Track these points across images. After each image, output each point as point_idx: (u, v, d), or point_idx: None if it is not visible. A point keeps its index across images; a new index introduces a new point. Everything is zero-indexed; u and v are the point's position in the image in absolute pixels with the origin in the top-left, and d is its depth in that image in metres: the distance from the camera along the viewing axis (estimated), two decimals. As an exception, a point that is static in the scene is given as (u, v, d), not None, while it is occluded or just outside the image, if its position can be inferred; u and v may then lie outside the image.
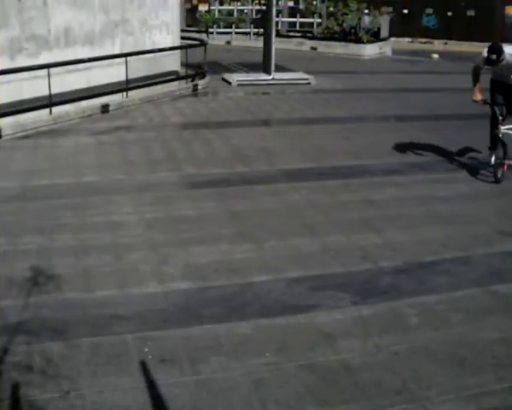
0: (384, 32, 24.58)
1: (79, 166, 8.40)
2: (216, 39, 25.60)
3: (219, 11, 28.03)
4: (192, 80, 15.20)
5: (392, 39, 25.58)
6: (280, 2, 26.54)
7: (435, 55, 23.23)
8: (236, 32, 26.77)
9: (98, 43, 12.26)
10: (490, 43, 7.70)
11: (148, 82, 13.29)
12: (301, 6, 28.91)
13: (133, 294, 4.95)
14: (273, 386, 3.80)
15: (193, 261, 5.54)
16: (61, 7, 11.34)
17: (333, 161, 8.83)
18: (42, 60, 10.86)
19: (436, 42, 29.24)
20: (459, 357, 4.14)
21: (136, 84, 12.82)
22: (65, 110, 11.15)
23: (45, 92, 10.61)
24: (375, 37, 23.73)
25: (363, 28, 23.55)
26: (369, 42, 23.13)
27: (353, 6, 23.63)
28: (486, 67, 7.78)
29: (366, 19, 23.76)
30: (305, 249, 5.84)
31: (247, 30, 26.73)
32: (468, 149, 9.57)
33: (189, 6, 31.23)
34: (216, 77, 16.17)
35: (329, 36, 24.59)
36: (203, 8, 29.71)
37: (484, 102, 8.05)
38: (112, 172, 8.20)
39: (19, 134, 10.08)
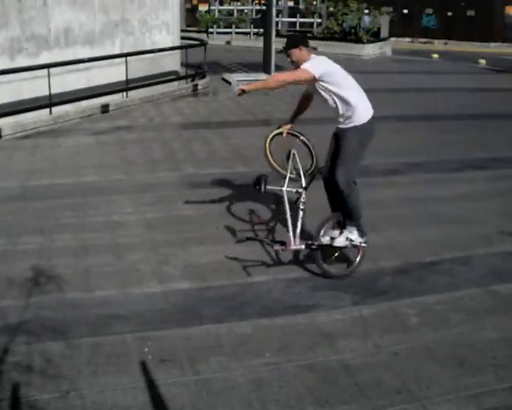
0: (384, 32, 24.61)
1: (79, 166, 8.40)
2: (216, 39, 25.61)
3: (219, 11, 28.04)
4: (192, 80, 15.20)
5: (392, 39, 25.59)
6: (280, 2, 26.54)
7: (435, 55, 23.23)
8: (236, 32, 26.78)
9: (98, 44, 12.27)
10: None
11: (148, 82, 13.30)
12: (301, 6, 28.93)
13: (133, 294, 4.95)
14: (273, 386, 3.80)
15: (193, 261, 5.53)
16: (61, 7, 11.34)
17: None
18: (42, 60, 10.86)
19: (436, 42, 29.26)
20: (459, 357, 4.14)
21: (136, 84, 12.82)
22: (65, 110, 11.15)
23: (45, 92, 10.61)
24: (375, 37, 23.74)
25: (363, 28, 23.56)
26: (369, 42, 23.14)
27: (353, 6, 23.66)
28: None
29: (366, 19, 23.77)
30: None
31: (247, 30, 26.74)
32: (468, 150, 9.58)
33: (189, 6, 31.25)
34: (216, 77, 16.16)
35: (329, 36, 24.60)
36: (203, 8, 29.73)
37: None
38: (112, 172, 8.20)
39: (19, 134, 10.08)
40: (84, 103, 11.60)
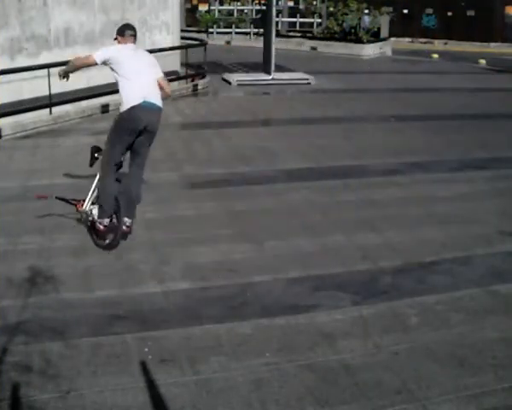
0: (384, 32, 24.59)
1: (79, 167, 8.38)
2: (216, 39, 25.61)
3: (219, 11, 28.05)
4: (192, 80, 15.20)
5: (392, 39, 25.58)
6: (280, 2, 26.55)
7: (435, 55, 23.23)
8: (236, 32, 26.78)
9: (98, 44, 12.23)
10: None
11: (148, 82, 13.28)
12: (301, 6, 28.93)
13: (133, 294, 4.95)
14: (273, 386, 3.80)
15: (193, 261, 5.53)
16: (61, 7, 11.34)
17: (333, 161, 8.82)
18: (42, 60, 10.86)
19: (436, 42, 29.24)
20: (459, 357, 4.14)
21: (136, 84, 12.80)
22: (65, 110, 11.15)
23: (45, 92, 10.61)
24: (375, 37, 23.73)
25: (363, 28, 23.55)
26: (369, 42, 23.13)
27: (353, 6, 23.64)
28: None
29: (366, 19, 23.76)
30: (305, 249, 5.84)
31: (247, 30, 26.75)
32: (468, 150, 9.58)
33: (189, 6, 31.25)
34: (216, 77, 16.16)
35: (329, 36, 24.60)
36: (203, 8, 29.73)
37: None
38: (112, 172, 8.19)
39: (19, 134, 10.08)
40: (84, 103, 11.59)
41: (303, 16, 27.69)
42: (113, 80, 5.96)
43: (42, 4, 10.97)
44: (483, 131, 10.98)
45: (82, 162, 8.61)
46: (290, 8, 28.81)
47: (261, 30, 21.35)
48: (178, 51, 14.84)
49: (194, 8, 31.05)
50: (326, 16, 26.38)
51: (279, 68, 16.44)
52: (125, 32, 5.84)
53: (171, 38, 14.40)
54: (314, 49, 24.06)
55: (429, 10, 30.66)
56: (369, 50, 22.91)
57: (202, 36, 22.85)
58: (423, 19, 30.89)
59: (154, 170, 8.27)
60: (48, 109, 10.84)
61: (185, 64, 14.91)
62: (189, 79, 15.17)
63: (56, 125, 10.74)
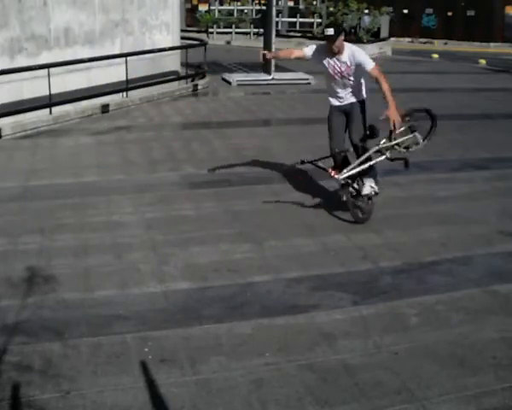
0: (384, 32, 24.60)
1: (79, 167, 8.40)
2: (216, 39, 25.62)
3: (219, 11, 28.08)
4: (192, 80, 15.20)
5: (392, 39, 25.60)
6: (280, 2, 26.57)
7: (435, 55, 23.24)
8: (236, 32, 26.79)
9: (98, 43, 12.27)
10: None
11: (148, 82, 13.30)
12: (301, 6, 28.95)
13: (133, 294, 4.95)
14: (273, 386, 3.80)
15: (193, 261, 5.53)
16: (61, 7, 11.34)
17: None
18: (42, 60, 10.86)
19: (436, 42, 29.26)
20: (459, 357, 4.14)
21: (136, 84, 12.82)
22: (65, 110, 11.16)
23: (45, 92, 10.61)
24: (375, 37, 23.73)
25: (363, 28, 23.55)
26: (369, 42, 23.13)
27: (353, 6, 23.65)
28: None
29: (366, 19, 23.76)
30: (305, 249, 5.83)
31: (247, 30, 26.76)
32: (468, 149, 9.58)
33: (189, 6, 31.26)
34: (216, 77, 16.16)
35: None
36: (203, 8, 29.75)
37: None
38: (112, 172, 8.20)
39: (19, 134, 10.08)
40: (84, 103, 11.60)
41: (303, 16, 27.71)
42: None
43: (42, 4, 10.98)
44: (483, 131, 10.98)
45: (82, 162, 8.65)
46: (290, 8, 28.84)
47: (261, 30, 21.36)
48: (178, 51, 14.84)
49: (194, 8, 31.06)
50: (326, 16, 26.38)
51: (279, 68, 16.43)
52: None
53: (171, 37, 14.40)
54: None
55: (429, 10, 30.68)
56: (369, 50, 22.81)
57: (202, 36, 22.86)
58: (423, 19, 30.91)
59: (154, 170, 8.31)
60: (48, 109, 10.85)
61: (185, 64, 14.91)
62: (189, 79, 15.18)
63: (56, 125, 10.75)
